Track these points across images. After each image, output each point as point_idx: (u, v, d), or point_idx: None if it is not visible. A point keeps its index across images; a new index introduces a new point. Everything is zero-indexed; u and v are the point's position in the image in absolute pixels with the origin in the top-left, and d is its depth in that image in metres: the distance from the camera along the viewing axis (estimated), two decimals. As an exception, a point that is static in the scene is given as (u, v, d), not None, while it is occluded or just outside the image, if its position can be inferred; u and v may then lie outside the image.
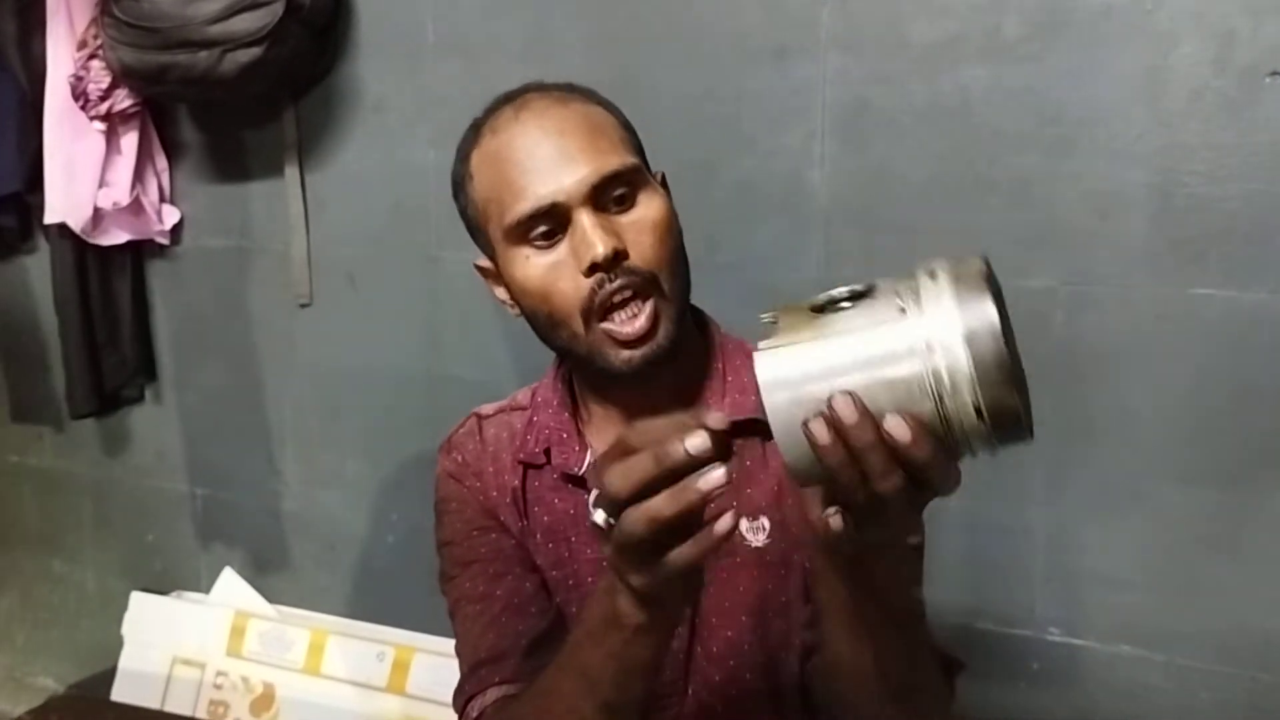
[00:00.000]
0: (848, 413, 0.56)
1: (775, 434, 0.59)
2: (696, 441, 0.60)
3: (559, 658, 0.80)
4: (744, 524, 0.93)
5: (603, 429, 0.97)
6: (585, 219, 0.85)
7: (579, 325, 0.87)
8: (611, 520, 0.64)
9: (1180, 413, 1.37)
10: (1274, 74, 1.26)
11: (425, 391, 1.89)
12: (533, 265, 0.88)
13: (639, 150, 0.94)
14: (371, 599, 2.03)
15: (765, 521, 0.93)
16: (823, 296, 0.60)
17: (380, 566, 2.02)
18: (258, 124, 1.94)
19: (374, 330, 1.93)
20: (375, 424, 1.97)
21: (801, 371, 0.58)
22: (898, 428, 0.56)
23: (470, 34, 1.72)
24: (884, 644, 0.77)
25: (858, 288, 0.59)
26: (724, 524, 0.62)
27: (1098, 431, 1.41)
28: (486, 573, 0.96)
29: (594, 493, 0.65)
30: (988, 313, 0.55)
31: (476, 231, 0.95)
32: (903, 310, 0.57)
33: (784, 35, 1.50)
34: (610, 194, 0.87)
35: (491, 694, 0.90)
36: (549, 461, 0.97)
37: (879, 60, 1.44)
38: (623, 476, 0.62)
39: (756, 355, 0.60)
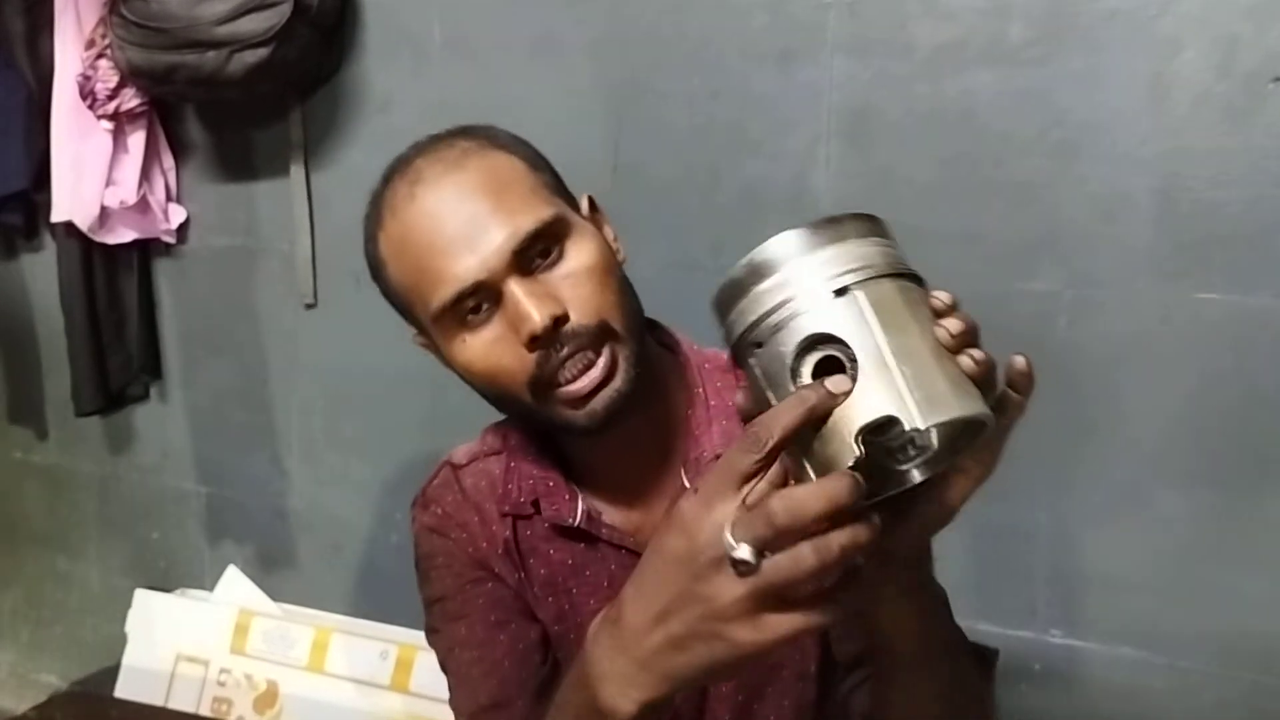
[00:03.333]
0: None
1: None
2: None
3: None
4: None
5: (589, 475, 0.91)
6: (515, 289, 0.78)
7: (529, 399, 0.81)
8: (762, 555, 0.53)
9: (1183, 416, 1.37)
10: (1277, 79, 1.26)
11: (429, 391, 1.89)
12: (471, 349, 0.81)
13: (556, 189, 0.86)
14: (375, 597, 2.03)
15: None
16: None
17: (384, 565, 2.02)
18: (264, 124, 1.95)
19: (379, 330, 1.90)
20: (379, 423, 1.97)
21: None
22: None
23: (477, 35, 1.72)
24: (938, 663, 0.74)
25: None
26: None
27: (1101, 434, 1.41)
28: (486, 620, 0.90)
29: (730, 521, 0.53)
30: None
31: (405, 315, 0.88)
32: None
33: (789, 39, 1.50)
34: (534, 252, 0.79)
35: None
36: (538, 512, 0.91)
37: (884, 64, 1.45)
38: (800, 510, 0.51)
39: None
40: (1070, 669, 1.48)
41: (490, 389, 0.83)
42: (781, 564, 0.52)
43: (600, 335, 0.80)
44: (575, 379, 0.79)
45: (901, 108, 1.45)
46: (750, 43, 1.53)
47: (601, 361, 0.80)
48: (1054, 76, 1.36)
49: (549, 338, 0.77)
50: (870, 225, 0.58)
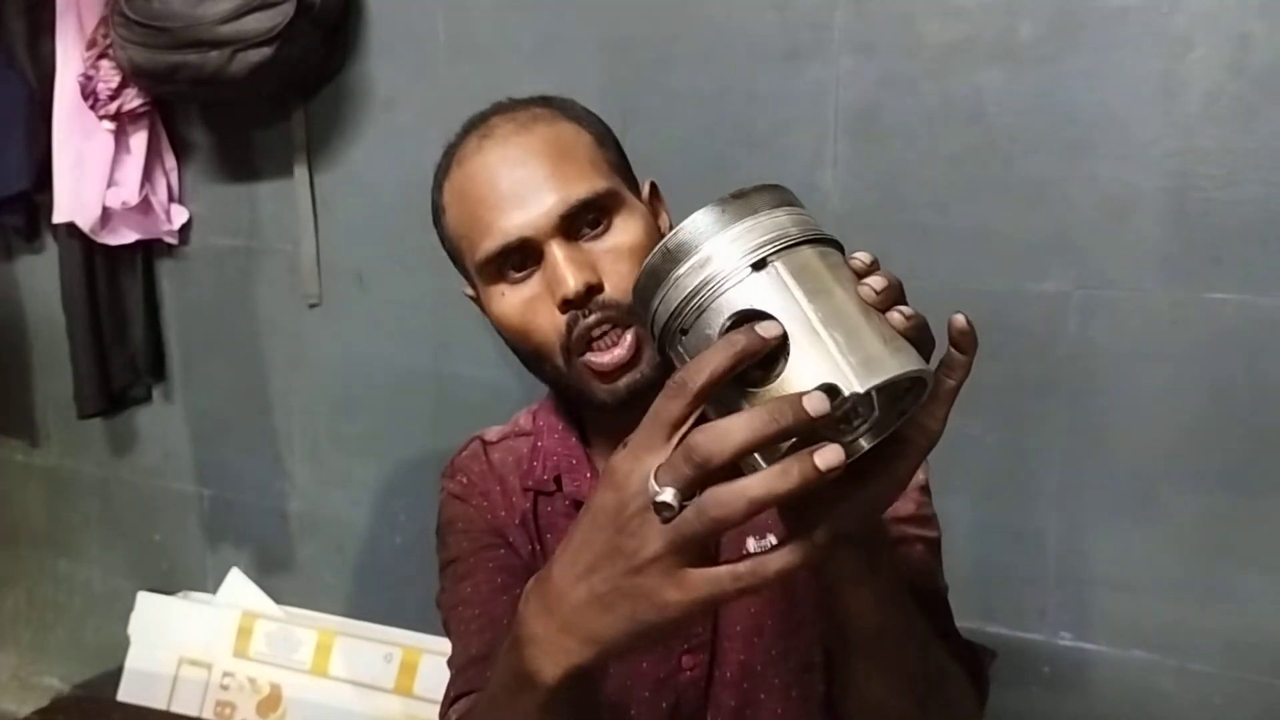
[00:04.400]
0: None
1: None
2: (820, 405, 0.48)
3: (483, 701, 0.70)
4: (752, 544, 0.88)
5: (611, 456, 0.94)
6: (556, 252, 0.82)
7: (560, 360, 0.85)
8: (684, 501, 0.50)
9: (1194, 417, 1.36)
10: (1290, 77, 1.25)
11: (434, 391, 1.89)
12: (508, 302, 0.85)
13: (619, 167, 0.90)
14: (379, 600, 2.02)
15: (773, 540, 0.90)
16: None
17: (388, 567, 2.01)
18: (267, 124, 1.94)
19: (382, 330, 1.93)
20: (383, 424, 1.96)
21: None
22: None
23: (482, 34, 1.72)
24: (907, 655, 0.71)
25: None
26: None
27: (1110, 435, 1.40)
28: (492, 582, 0.92)
29: (658, 464, 0.52)
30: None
31: (456, 262, 0.93)
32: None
33: (797, 36, 1.49)
34: (582, 220, 0.83)
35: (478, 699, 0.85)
36: (560, 489, 0.94)
37: (892, 62, 1.44)
38: (719, 439, 0.49)
39: None
40: (1080, 671, 1.47)
41: (521, 344, 0.87)
42: (688, 513, 0.50)
43: (630, 313, 0.82)
44: (603, 351, 0.83)
45: (909, 106, 1.44)
46: (757, 41, 1.52)
47: (627, 340, 0.82)
48: (1064, 75, 1.35)
49: (580, 303, 0.81)
50: (779, 194, 0.57)
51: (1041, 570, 1.47)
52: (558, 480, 0.94)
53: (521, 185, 0.82)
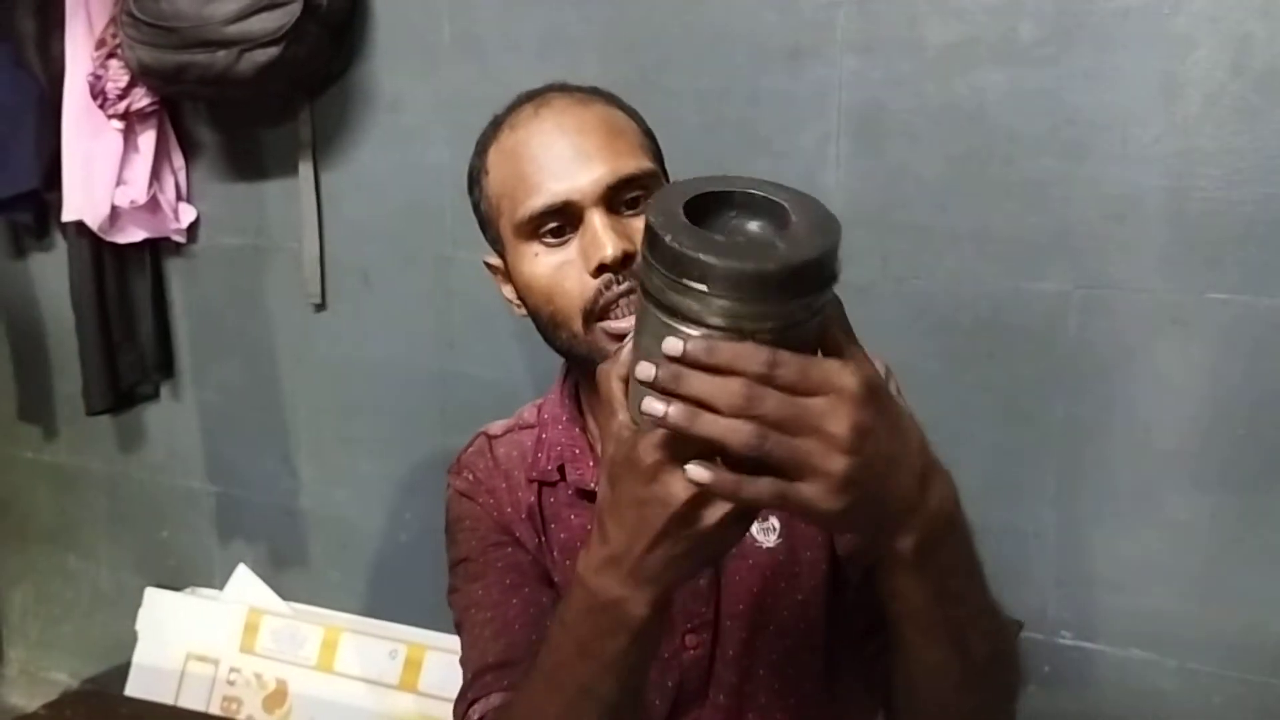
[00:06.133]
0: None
1: None
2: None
3: (542, 673, 0.75)
4: (754, 525, 0.91)
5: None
6: (597, 219, 0.84)
7: (579, 326, 0.87)
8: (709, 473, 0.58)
9: (1194, 417, 1.36)
10: (1291, 78, 1.26)
11: (439, 390, 1.90)
12: (540, 263, 0.88)
13: (658, 158, 0.94)
14: (384, 597, 2.04)
15: (775, 522, 0.93)
16: None
17: (393, 564, 2.03)
18: (274, 123, 1.95)
19: (388, 329, 1.94)
20: (389, 422, 1.97)
21: None
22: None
23: (486, 34, 1.72)
24: (963, 631, 0.73)
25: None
26: None
27: (1111, 435, 1.41)
28: (501, 583, 0.94)
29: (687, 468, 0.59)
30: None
31: (487, 226, 0.95)
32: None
33: (799, 37, 1.50)
34: (624, 197, 0.86)
35: (496, 699, 0.87)
36: (563, 478, 0.96)
37: (894, 62, 1.44)
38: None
39: None
40: (1080, 671, 1.47)
41: (545, 308, 0.89)
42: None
43: None
44: (624, 319, 0.85)
45: (911, 106, 1.44)
46: (760, 41, 1.52)
47: None
48: (1065, 75, 1.35)
49: (615, 269, 0.84)
50: (816, 280, 0.57)
51: (1041, 570, 1.47)
52: (561, 470, 0.96)
53: (574, 152, 0.86)
